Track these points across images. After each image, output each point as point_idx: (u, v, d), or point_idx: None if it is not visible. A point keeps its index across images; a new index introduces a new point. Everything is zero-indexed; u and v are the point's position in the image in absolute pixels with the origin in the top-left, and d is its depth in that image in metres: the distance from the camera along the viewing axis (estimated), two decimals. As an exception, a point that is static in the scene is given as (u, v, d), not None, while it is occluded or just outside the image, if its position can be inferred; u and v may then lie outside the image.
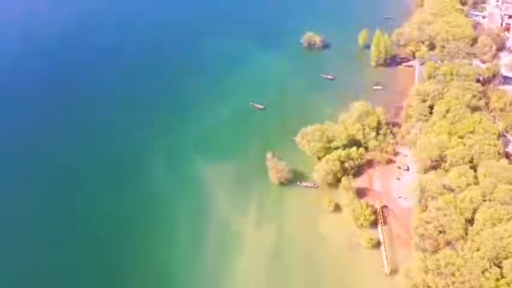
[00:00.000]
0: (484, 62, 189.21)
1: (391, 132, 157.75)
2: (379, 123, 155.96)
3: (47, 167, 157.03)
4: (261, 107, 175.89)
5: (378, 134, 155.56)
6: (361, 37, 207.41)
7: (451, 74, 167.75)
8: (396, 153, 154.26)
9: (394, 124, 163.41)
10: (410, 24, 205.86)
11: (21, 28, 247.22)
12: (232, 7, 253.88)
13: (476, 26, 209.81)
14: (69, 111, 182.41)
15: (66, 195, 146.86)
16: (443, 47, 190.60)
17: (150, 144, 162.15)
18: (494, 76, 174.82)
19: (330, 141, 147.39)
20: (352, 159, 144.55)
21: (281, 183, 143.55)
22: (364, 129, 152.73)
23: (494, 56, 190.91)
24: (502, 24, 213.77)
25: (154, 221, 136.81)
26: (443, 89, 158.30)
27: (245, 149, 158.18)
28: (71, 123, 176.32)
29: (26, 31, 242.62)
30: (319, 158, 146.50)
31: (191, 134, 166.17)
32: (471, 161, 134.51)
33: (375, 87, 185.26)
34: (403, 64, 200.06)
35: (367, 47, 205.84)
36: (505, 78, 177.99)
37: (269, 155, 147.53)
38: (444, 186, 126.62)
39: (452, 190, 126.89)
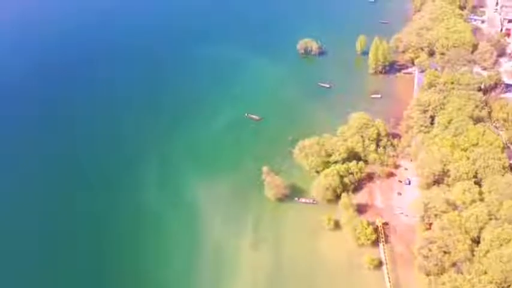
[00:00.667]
0: (484, 69, 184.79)
1: (391, 144, 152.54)
2: (378, 134, 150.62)
3: (32, 186, 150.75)
4: (257, 117, 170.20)
5: (377, 146, 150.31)
6: (359, 43, 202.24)
7: (452, 83, 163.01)
8: (397, 166, 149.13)
9: (394, 135, 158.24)
10: (409, 29, 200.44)
11: (21, 26, 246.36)
12: (229, 12, 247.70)
13: (475, 31, 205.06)
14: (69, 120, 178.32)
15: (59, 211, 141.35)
16: (443, 53, 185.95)
17: (142, 155, 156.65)
18: (496, 84, 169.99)
19: (328, 155, 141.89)
20: (351, 173, 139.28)
21: (278, 199, 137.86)
22: (363, 141, 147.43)
23: (495, 63, 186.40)
24: (502, 30, 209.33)
25: (147, 239, 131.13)
26: (445, 98, 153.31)
27: (241, 162, 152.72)
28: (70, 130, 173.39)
29: (26, 29, 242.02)
30: (318, 172, 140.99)
31: (186, 144, 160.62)
32: (475, 176, 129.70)
33: (373, 96, 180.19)
34: (402, 71, 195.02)
35: (365, 53, 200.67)
36: (507, 86, 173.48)
37: (265, 169, 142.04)
38: (448, 203, 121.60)
39: (456, 207, 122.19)
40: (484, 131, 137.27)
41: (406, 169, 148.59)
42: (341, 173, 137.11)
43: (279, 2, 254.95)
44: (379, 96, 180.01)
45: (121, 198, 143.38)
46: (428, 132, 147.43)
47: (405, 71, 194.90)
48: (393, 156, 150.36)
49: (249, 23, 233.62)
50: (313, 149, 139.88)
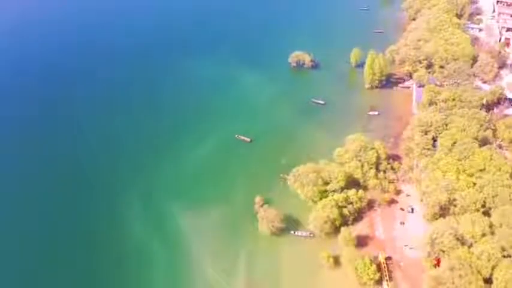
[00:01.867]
0: (484, 82, 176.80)
1: (391, 167, 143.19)
2: (378, 158, 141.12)
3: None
4: (247, 139, 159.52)
5: (377, 170, 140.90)
6: (353, 55, 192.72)
7: (454, 99, 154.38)
8: (398, 192, 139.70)
9: (394, 157, 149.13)
10: (406, 41, 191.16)
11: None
12: (219, 22, 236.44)
13: (473, 40, 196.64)
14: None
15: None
16: (441, 66, 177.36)
17: (123, 186, 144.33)
18: (499, 100, 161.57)
19: (325, 183, 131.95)
20: (351, 203, 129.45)
21: (273, 233, 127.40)
22: (362, 166, 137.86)
23: (496, 75, 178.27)
24: (500, 39, 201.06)
25: (130, 280, 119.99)
26: (447, 118, 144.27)
27: (232, 190, 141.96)
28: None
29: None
30: (315, 201, 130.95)
31: (170, 172, 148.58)
32: (483, 205, 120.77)
33: (370, 113, 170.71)
34: (399, 85, 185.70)
35: (359, 65, 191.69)
36: (510, 100, 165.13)
37: (258, 199, 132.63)
38: (456, 238, 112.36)
39: (465, 241, 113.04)
40: (491, 156, 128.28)
41: (408, 195, 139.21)
42: (340, 204, 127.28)
43: (268, 11, 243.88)
44: (376, 113, 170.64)
45: (100, 233, 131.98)
46: (431, 155, 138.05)
47: (402, 85, 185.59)
48: (394, 180, 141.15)
49: (237, 33, 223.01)
50: (308, 177, 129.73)
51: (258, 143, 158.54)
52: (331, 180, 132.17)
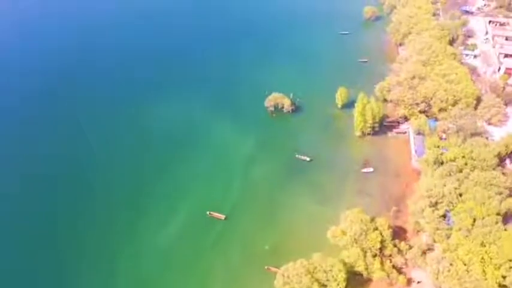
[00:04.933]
0: (490, 124, 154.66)
1: (398, 250, 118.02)
2: (382, 241, 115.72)
3: None
4: (222, 216, 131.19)
5: (382, 254, 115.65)
6: (339, 96, 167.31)
7: (464, 157, 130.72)
8: (408, 281, 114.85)
9: (399, 232, 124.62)
10: (398, 78, 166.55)
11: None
12: (180, 58, 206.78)
13: (471, 70, 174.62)
14: None
15: None
16: (442, 109, 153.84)
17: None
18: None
19: (322, 285, 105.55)
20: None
21: None
22: (365, 255, 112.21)
23: (504, 116, 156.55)
24: (499, 69, 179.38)
25: None
26: (460, 186, 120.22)
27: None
28: None
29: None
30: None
31: (127, 271, 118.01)
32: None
33: (364, 171, 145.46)
34: (394, 130, 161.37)
35: (346, 106, 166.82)
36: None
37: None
38: None
39: None
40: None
41: (419, 282, 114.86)
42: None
43: (238, 41, 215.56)
44: (371, 169, 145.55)
45: None
46: (446, 236, 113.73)
47: (397, 129, 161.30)
48: (402, 267, 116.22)
49: (203, 70, 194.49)
50: (301, 282, 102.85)
51: (234, 221, 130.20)
52: (328, 281, 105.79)
